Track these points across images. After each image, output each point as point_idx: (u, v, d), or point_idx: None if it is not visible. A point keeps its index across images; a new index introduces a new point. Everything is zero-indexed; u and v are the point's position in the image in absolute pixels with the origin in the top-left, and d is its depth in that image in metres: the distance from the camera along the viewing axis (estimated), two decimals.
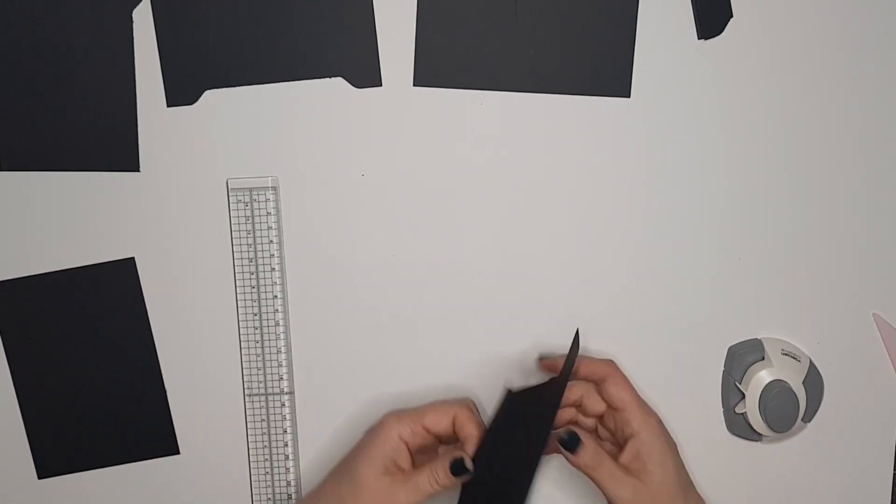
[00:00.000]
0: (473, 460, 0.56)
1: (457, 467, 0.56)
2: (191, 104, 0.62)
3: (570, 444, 0.56)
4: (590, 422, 0.61)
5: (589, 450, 0.56)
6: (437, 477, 0.56)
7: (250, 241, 0.63)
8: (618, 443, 0.59)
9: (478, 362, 0.64)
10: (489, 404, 0.64)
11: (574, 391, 0.59)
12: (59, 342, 0.63)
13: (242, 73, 0.62)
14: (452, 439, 0.59)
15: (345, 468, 0.59)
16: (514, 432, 0.57)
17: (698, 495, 0.60)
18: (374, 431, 0.58)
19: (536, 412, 0.57)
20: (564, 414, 0.60)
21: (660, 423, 0.59)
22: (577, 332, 0.58)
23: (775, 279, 0.65)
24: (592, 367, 0.59)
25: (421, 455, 0.59)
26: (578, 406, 0.60)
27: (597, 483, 0.57)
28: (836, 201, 0.64)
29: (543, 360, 0.63)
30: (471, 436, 0.57)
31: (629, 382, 0.59)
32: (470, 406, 0.59)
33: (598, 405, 0.59)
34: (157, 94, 0.62)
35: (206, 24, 0.61)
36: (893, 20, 0.63)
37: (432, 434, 0.58)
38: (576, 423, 0.61)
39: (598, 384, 0.59)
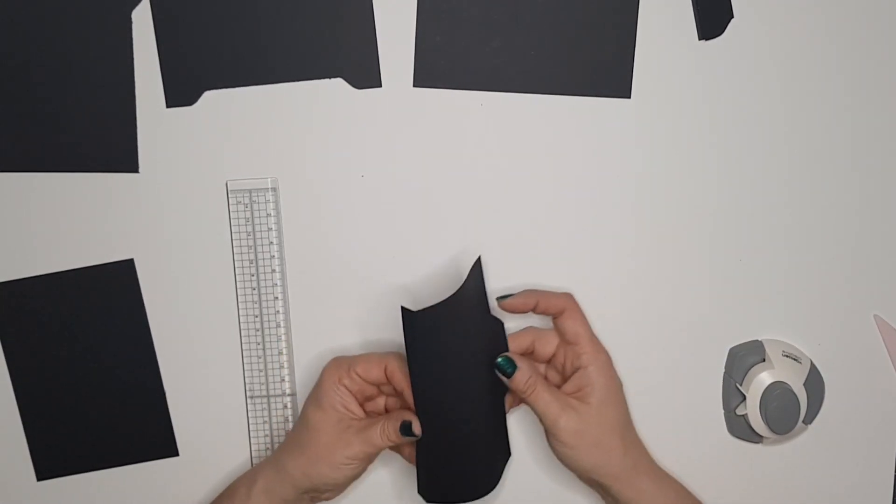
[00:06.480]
0: (419, 415, 0.57)
1: (405, 429, 0.57)
2: (190, 105, 0.62)
3: (506, 369, 0.57)
4: (541, 367, 0.61)
5: (524, 371, 0.57)
6: (388, 434, 0.57)
7: (250, 242, 0.63)
8: (565, 378, 0.60)
9: None
10: None
11: (525, 338, 0.60)
12: (59, 344, 0.63)
13: (242, 74, 0.62)
14: (390, 388, 0.59)
15: (301, 416, 0.59)
16: (448, 367, 0.57)
17: (637, 436, 0.61)
18: (320, 377, 0.59)
19: (474, 346, 0.57)
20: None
21: (609, 360, 0.59)
22: (479, 259, 0.58)
23: (776, 280, 0.65)
24: (552, 301, 0.59)
25: (370, 402, 0.60)
26: (531, 353, 0.60)
27: (533, 408, 0.57)
28: (836, 202, 0.64)
29: (503, 302, 0.60)
30: (403, 387, 0.58)
31: (585, 317, 0.60)
32: (403, 357, 0.58)
33: (549, 346, 0.60)
34: (156, 94, 0.62)
35: (206, 25, 0.61)
36: (893, 20, 0.63)
37: (368, 382, 0.59)
38: None
39: (554, 317, 0.60)
